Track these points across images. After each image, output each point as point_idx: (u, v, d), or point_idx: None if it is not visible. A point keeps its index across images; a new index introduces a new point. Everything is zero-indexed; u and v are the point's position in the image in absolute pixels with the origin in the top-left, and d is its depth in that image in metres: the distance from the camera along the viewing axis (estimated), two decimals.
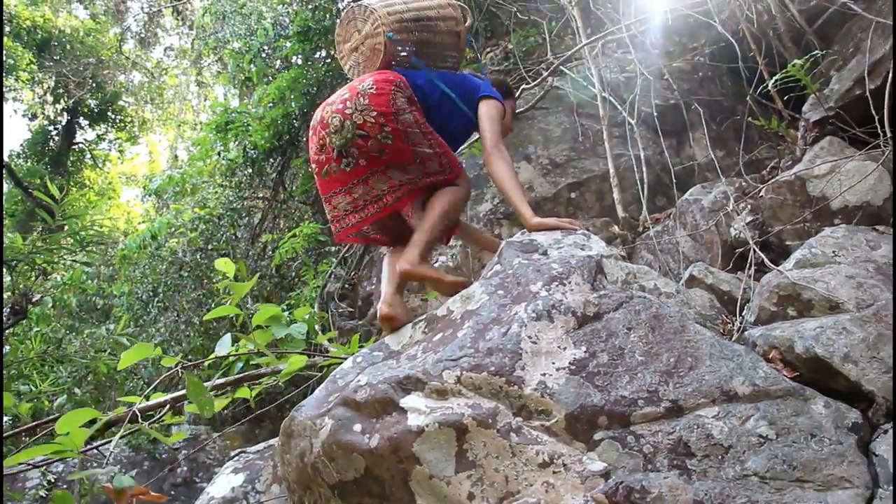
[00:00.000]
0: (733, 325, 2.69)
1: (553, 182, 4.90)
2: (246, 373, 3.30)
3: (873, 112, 3.09)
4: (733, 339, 2.58)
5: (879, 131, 3.02)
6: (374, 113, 2.86)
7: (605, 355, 2.05)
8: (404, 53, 3.17)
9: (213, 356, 2.76)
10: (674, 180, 4.30)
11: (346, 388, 2.31)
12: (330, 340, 4.23)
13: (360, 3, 3.22)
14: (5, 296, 7.53)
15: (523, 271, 2.32)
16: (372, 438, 2.12)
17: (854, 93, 3.52)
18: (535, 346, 2.05)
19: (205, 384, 2.70)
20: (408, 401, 2.11)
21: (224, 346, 2.71)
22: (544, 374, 2.00)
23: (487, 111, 3.12)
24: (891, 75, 3.09)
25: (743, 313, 2.73)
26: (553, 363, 2.03)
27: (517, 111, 5.23)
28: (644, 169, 4.44)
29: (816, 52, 3.60)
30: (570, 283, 2.24)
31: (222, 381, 3.20)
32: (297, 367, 3.09)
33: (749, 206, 3.45)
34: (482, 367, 2.03)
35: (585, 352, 2.06)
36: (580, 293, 2.21)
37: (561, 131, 5.16)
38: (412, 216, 3.15)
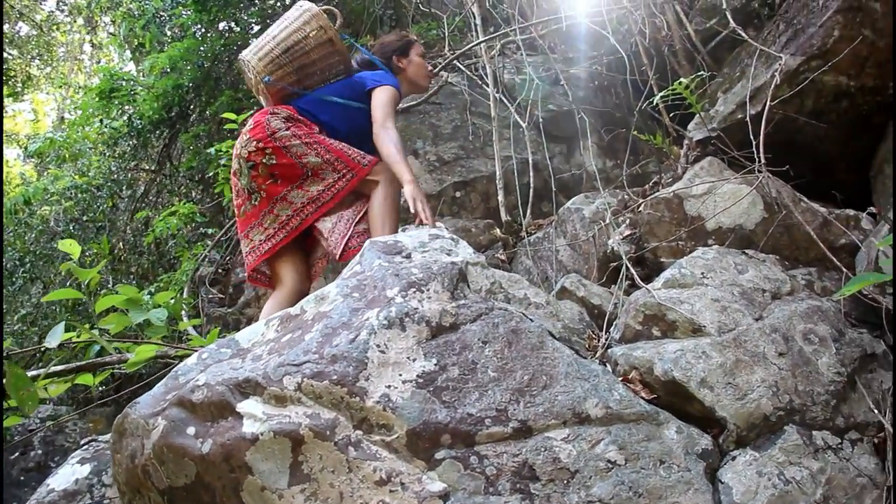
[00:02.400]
0: (599, 341, 2.66)
1: (439, 179, 4.80)
2: (88, 361, 3.07)
3: (752, 137, 3.12)
4: (598, 355, 2.54)
5: (755, 156, 3.05)
6: (255, 142, 3.11)
7: (456, 369, 1.96)
8: (289, 88, 3.35)
9: (41, 346, 2.53)
10: (554, 188, 4.27)
11: (184, 387, 2.14)
12: (196, 328, 4.02)
13: (241, 55, 3.45)
14: None
15: (381, 274, 2.19)
16: (205, 443, 1.97)
17: (736, 116, 3.56)
18: (382, 356, 1.94)
19: (38, 373, 2.48)
20: (245, 406, 1.96)
21: (55, 337, 2.48)
22: (389, 387, 1.89)
23: (376, 98, 3.28)
24: (768, 103, 3.13)
25: (610, 329, 2.70)
26: (400, 375, 1.91)
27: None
28: (531, 173, 4.40)
29: (703, 73, 3.62)
30: (428, 290, 2.13)
31: (60, 368, 2.96)
32: (145, 357, 2.89)
33: (628, 220, 3.44)
34: (324, 375, 1.90)
35: (436, 364, 1.95)
36: (438, 302, 2.10)
37: (452, 129, 5.07)
38: (328, 236, 3.18)
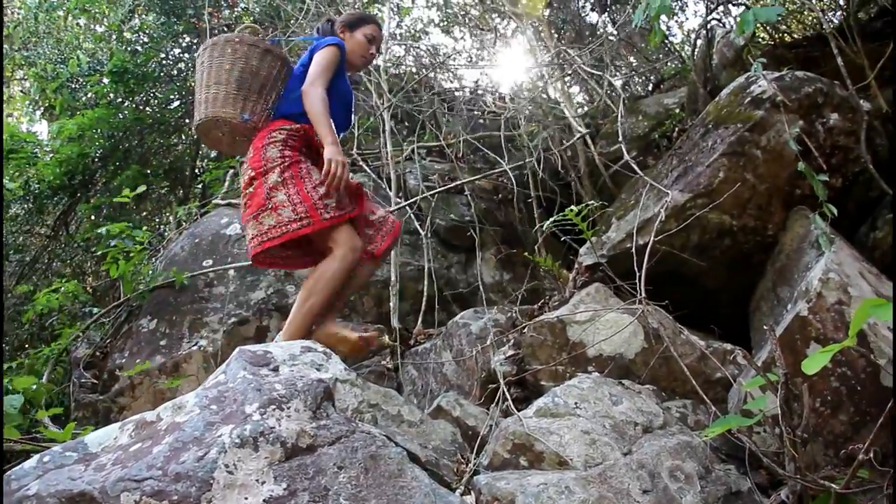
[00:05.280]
0: (467, 466, 2.61)
1: None
2: None
3: (636, 268, 3.20)
4: (463, 481, 2.49)
5: (638, 288, 3.13)
6: (250, 171, 3.12)
7: (306, 495, 1.87)
8: (268, 112, 3.31)
9: None
10: (448, 298, 4.27)
11: (13, 496, 1.98)
12: (56, 417, 3.77)
13: (198, 120, 3.30)
14: None
15: (243, 388, 2.11)
16: None
17: (625, 245, 3.67)
18: (229, 477, 1.84)
19: None
20: None
21: None
22: None
23: (314, 59, 3.28)
24: (653, 237, 3.24)
25: (480, 454, 2.66)
26: (246, 498, 1.82)
27: None
28: (426, 281, 4.40)
29: (593, 202, 3.73)
30: (289, 408, 2.06)
31: None
32: None
33: (513, 341, 3.45)
34: (165, 495, 1.79)
35: (285, 489, 1.86)
36: (297, 421, 2.03)
37: None
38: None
